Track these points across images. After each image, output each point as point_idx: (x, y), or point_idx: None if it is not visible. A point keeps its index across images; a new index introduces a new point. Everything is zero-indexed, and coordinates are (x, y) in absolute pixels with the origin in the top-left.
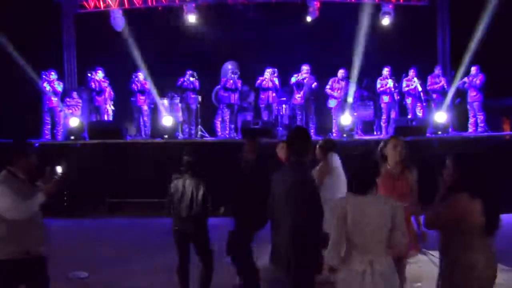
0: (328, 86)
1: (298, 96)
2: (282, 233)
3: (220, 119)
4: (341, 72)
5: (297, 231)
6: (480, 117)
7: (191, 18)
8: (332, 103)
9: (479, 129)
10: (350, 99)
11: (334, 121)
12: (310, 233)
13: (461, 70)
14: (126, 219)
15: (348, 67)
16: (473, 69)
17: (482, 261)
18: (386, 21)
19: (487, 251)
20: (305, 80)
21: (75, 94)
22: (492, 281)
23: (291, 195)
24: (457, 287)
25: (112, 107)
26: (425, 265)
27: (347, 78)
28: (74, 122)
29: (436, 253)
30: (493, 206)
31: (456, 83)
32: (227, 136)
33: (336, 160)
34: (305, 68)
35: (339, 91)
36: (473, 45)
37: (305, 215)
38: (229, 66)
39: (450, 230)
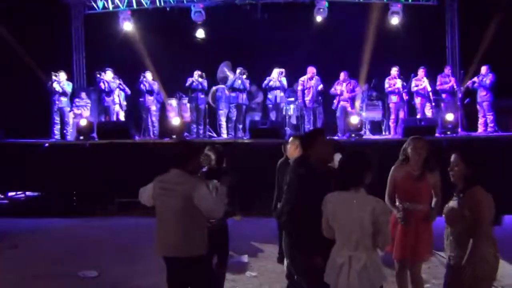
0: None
1: (306, 99)
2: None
3: (224, 119)
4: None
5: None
6: (490, 117)
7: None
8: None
9: (489, 129)
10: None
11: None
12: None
13: (471, 69)
14: (135, 219)
15: (356, 67)
16: (483, 69)
17: (492, 253)
18: (395, 20)
19: (494, 242)
20: (312, 82)
21: (84, 95)
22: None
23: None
24: (478, 280)
25: (124, 102)
26: (433, 266)
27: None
28: (83, 122)
29: (443, 254)
30: (496, 197)
31: (468, 83)
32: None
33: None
34: (311, 70)
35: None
36: (482, 44)
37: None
38: (224, 69)
39: (467, 224)
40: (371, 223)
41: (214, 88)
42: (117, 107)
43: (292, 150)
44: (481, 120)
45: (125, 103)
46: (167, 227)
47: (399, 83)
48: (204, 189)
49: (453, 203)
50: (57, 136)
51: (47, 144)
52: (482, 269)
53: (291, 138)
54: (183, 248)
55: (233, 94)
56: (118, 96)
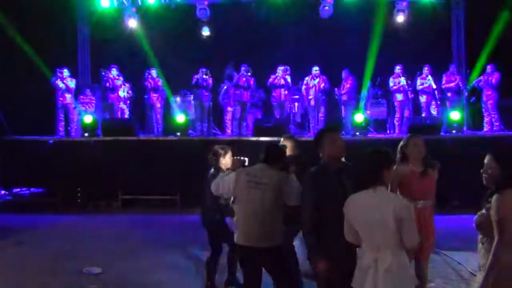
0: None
1: (310, 97)
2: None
3: (230, 117)
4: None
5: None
6: (495, 116)
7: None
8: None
9: (495, 128)
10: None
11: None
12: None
13: (477, 68)
14: (139, 216)
15: (361, 65)
16: (489, 68)
17: None
18: (400, 18)
19: None
20: (315, 81)
21: (88, 92)
22: None
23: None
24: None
25: (128, 101)
26: (437, 265)
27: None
28: (88, 119)
29: (449, 253)
30: None
31: (472, 81)
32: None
33: None
34: (315, 69)
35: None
36: (489, 42)
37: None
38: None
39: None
40: (394, 221)
41: (224, 87)
42: (121, 104)
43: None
44: (486, 119)
45: (129, 101)
46: (253, 218)
47: (403, 81)
48: (295, 182)
49: (484, 207)
50: (62, 133)
51: (51, 141)
52: (504, 278)
53: (282, 138)
54: (267, 238)
55: (237, 92)
56: (123, 93)
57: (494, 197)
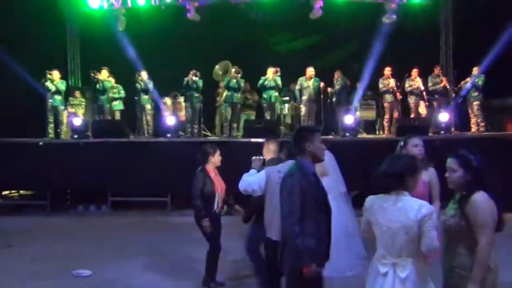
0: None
1: (304, 98)
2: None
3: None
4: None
5: (286, 230)
6: (481, 117)
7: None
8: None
9: (481, 129)
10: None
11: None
12: (303, 232)
13: (464, 69)
14: (129, 218)
15: (350, 66)
16: (475, 69)
17: (495, 260)
18: (389, 20)
19: (496, 249)
20: (309, 82)
21: (78, 93)
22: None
23: (283, 189)
24: None
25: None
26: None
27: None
28: (78, 121)
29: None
30: (500, 202)
31: (461, 83)
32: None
33: (329, 158)
34: (309, 70)
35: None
36: (476, 44)
37: (286, 212)
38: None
39: (466, 233)
40: (416, 226)
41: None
42: (112, 106)
43: (267, 151)
44: (473, 120)
45: (119, 103)
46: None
47: (392, 82)
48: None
49: (450, 211)
50: (51, 135)
51: (41, 143)
52: (488, 280)
53: (265, 140)
54: None
55: (228, 94)
56: (113, 94)
57: (472, 201)
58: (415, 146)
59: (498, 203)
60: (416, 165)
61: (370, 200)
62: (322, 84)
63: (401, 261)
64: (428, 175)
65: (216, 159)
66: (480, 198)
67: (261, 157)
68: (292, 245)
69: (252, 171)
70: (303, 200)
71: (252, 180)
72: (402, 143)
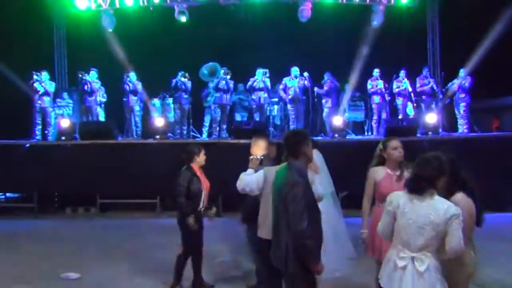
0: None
1: (288, 97)
2: (281, 231)
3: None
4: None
5: (294, 235)
6: (468, 118)
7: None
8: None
9: (465, 130)
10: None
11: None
12: (310, 234)
13: (451, 71)
14: (118, 220)
15: (339, 67)
16: (462, 71)
17: (472, 257)
18: (376, 22)
19: (474, 247)
20: (294, 82)
21: (65, 95)
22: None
23: (290, 196)
24: (458, 285)
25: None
26: None
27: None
28: (65, 122)
29: None
30: (479, 199)
31: (448, 85)
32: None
33: (318, 157)
34: (293, 69)
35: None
36: (463, 45)
37: (298, 218)
38: (205, 71)
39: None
40: (444, 224)
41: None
42: (99, 108)
43: (254, 150)
44: (460, 121)
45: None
46: None
47: (380, 84)
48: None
49: None
50: (39, 137)
51: (28, 145)
52: (458, 273)
53: (253, 138)
54: None
55: (217, 95)
56: (100, 97)
57: (453, 202)
58: (394, 148)
59: (476, 201)
60: (445, 166)
61: (396, 195)
62: (306, 81)
63: (420, 255)
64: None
65: (201, 158)
66: (460, 199)
67: (258, 157)
68: (303, 245)
69: (250, 170)
70: (307, 203)
71: (250, 179)
72: (381, 146)
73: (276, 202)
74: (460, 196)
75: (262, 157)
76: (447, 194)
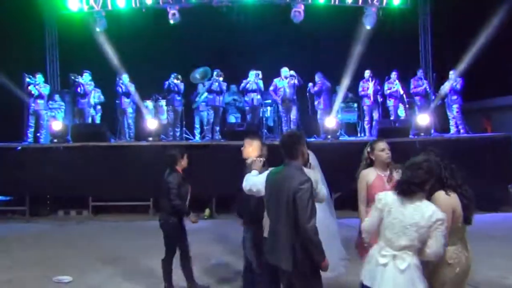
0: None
1: (278, 98)
2: (283, 231)
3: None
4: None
5: (304, 232)
6: (460, 120)
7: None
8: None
9: (460, 131)
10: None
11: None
12: (315, 233)
13: (443, 72)
14: (110, 223)
15: (331, 69)
16: (452, 73)
17: (465, 255)
18: (369, 23)
19: (467, 244)
20: (285, 82)
21: (57, 97)
22: (468, 274)
23: (296, 197)
24: (445, 285)
25: (99, 106)
26: None
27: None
28: (57, 125)
29: None
30: (467, 197)
31: (441, 87)
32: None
33: (312, 158)
34: (284, 70)
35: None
36: (455, 47)
37: (308, 216)
38: (197, 75)
39: None
40: (428, 227)
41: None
42: (92, 110)
43: (248, 151)
44: (452, 122)
45: (99, 106)
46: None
47: (371, 85)
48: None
49: None
50: (30, 139)
51: (19, 147)
52: (444, 274)
53: (246, 139)
54: None
55: (210, 96)
56: (93, 98)
57: (432, 200)
58: (382, 150)
59: (462, 199)
60: (434, 169)
61: (386, 194)
62: (295, 79)
63: (402, 254)
64: (399, 176)
65: (184, 162)
66: (438, 197)
67: (261, 159)
68: (314, 241)
69: (254, 172)
70: (314, 202)
71: (257, 180)
72: (368, 148)
73: (276, 203)
74: (440, 194)
75: (264, 159)
76: (429, 193)
